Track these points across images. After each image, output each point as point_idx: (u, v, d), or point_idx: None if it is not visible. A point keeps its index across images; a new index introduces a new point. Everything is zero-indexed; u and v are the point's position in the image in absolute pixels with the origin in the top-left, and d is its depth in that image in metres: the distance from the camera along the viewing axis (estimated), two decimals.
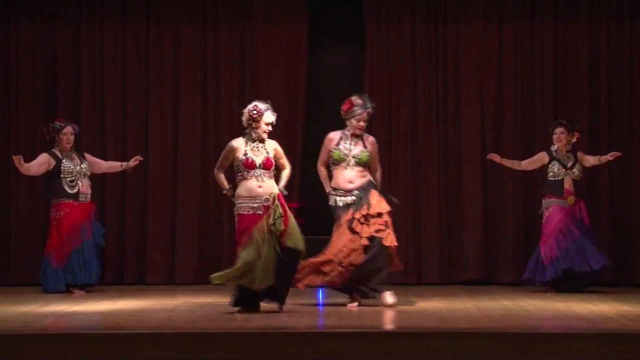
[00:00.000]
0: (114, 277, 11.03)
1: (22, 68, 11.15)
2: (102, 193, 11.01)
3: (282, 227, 7.92)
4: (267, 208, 8.01)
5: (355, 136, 8.68)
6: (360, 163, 8.61)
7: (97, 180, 10.69)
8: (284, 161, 8.40)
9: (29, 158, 9.84)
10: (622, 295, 9.50)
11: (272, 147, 8.31)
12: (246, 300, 8.07)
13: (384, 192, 8.67)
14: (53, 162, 9.92)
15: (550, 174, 10.17)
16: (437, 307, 8.51)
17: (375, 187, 8.61)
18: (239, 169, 8.21)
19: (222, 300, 8.55)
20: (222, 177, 8.34)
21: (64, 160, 9.95)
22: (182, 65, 11.21)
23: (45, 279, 9.90)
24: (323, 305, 8.44)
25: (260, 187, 8.13)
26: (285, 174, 8.39)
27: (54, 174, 9.92)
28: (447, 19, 11.17)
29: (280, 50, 11.22)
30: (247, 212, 8.11)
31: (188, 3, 11.24)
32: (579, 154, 10.17)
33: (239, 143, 8.29)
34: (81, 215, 9.93)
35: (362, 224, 8.43)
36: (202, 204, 11.15)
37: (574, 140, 10.16)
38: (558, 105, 11.05)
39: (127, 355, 6.43)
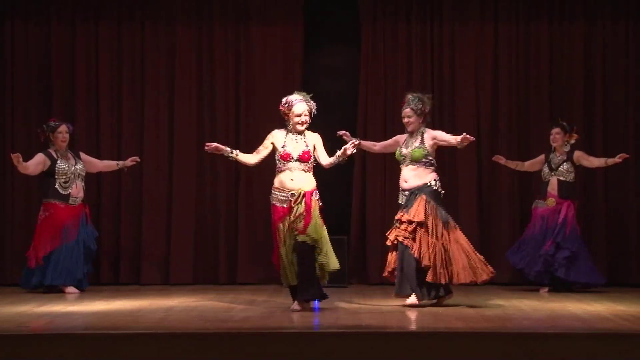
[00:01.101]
0: (110, 277, 11.02)
1: (17, 68, 11.12)
2: (98, 193, 11.01)
3: (301, 226, 7.96)
4: (292, 203, 8.05)
5: (413, 134, 8.68)
6: (414, 160, 8.61)
7: (93, 180, 10.69)
8: (319, 154, 8.23)
9: (24, 158, 9.79)
10: (618, 296, 9.52)
11: (313, 141, 8.24)
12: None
13: (433, 196, 8.60)
14: (48, 162, 9.91)
15: (542, 176, 10.22)
16: (433, 307, 8.51)
17: (429, 192, 8.55)
18: (277, 160, 8.20)
19: (221, 299, 8.54)
20: (246, 155, 8.33)
21: (59, 161, 9.93)
22: (177, 65, 11.19)
23: (22, 276, 9.97)
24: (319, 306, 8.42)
25: (292, 179, 8.11)
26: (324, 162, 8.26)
27: (49, 174, 9.91)
28: (442, 19, 11.17)
29: (276, 50, 11.21)
30: (277, 204, 8.11)
31: (183, 3, 11.23)
32: (577, 153, 10.16)
33: (279, 132, 8.25)
34: (66, 217, 9.88)
35: (395, 227, 8.56)
36: (197, 204, 11.14)
37: (572, 141, 10.17)
38: (553, 106, 11.06)
39: (123, 356, 6.43)
